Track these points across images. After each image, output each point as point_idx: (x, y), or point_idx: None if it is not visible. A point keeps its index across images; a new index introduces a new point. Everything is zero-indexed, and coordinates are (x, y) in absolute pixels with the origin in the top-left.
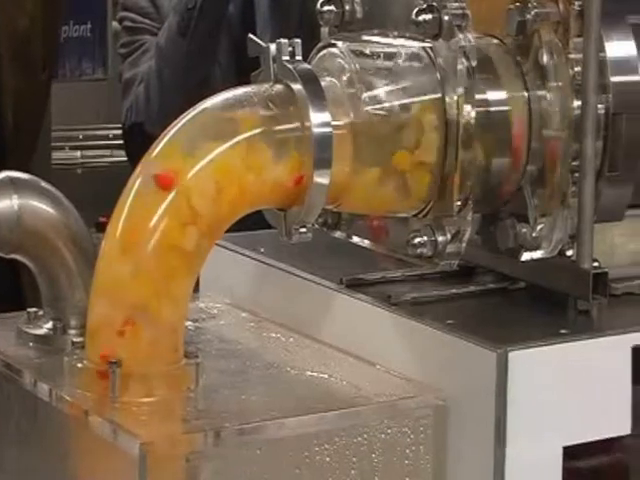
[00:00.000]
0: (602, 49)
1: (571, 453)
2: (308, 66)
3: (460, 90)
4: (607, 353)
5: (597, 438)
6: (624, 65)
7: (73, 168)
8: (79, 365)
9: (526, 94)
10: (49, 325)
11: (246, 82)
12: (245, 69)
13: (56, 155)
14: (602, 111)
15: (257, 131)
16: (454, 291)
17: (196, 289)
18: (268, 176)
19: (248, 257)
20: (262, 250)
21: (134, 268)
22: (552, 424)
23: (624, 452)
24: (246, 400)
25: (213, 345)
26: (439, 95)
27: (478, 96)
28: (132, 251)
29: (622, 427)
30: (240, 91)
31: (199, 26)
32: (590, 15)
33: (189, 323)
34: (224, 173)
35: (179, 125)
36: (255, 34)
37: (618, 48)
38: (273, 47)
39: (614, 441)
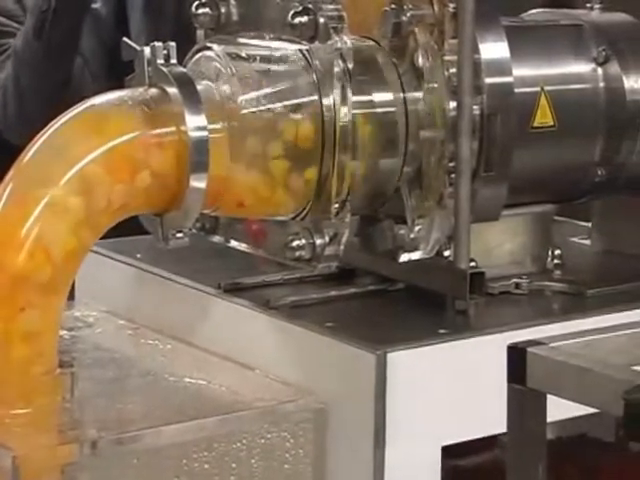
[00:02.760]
0: (476, 51)
1: (450, 452)
2: (183, 69)
3: (337, 92)
4: (484, 352)
5: (474, 437)
6: (498, 66)
7: None
8: None
9: (402, 96)
10: None
11: (119, 87)
12: (118, 73)
13: None
14: (477, 112)
15: (132, 135)
16: (334, 293)
17: (71, 297)
18: (144, 181)
19: (125, 263)
20: (139, 256)
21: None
22: (431, 424)
23: (502, 450)
24: (123, 409)
25: (89, 354)
26: (316, 97)
27: (355, 98)
28: None
29: (498, 425)
30: (114, 95)
31: (54, 29)
32: (464, 17)
33: (64, 332)
34: (98, 178)
35: (53, 129)
36: (129, 37)
37: (492, 50)
38: (147, 50)
39: (491, 439)
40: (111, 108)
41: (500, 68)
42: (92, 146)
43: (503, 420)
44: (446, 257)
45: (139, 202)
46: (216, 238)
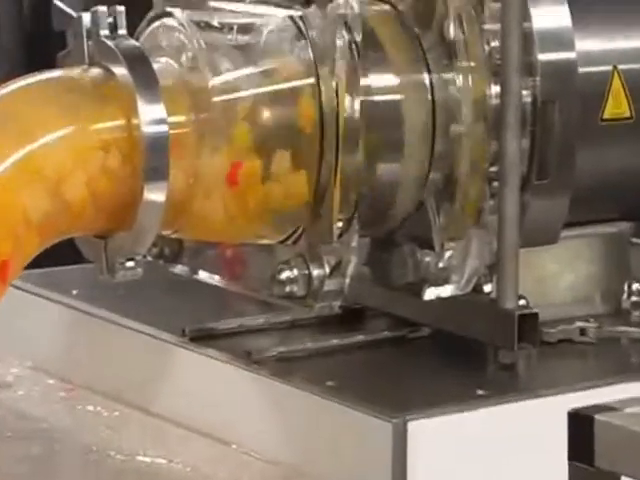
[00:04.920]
0: (527, 18)
1: None
2: (135, 43)
3: (340, 73)
4: (536, 420)
5: None
6: (556, 38)
7: None
8: None
9: (428, 77)
10: None
11: (43, 67)
12: (41, 49)
13: None
14: (528, 99)
15: (64, 133)
16: (336, 342)
17: None
18: (80, 194)
19: (56, 302)
20: (75, 292)
21: None
22: None
23: None
24: None
25: (8, 424)
26: (312, 80)
27: (363, 81)
28: None
29: None
30: (41, 78)
31: None
32: None
33: None
34: (18, 190)
35: None
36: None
37: (548, 16)
38: (87, 18)
39: None
40: (35, 97)
41: (559, 41)
42: (8, 149)
43: None
44: (487, 293)
45: (71, 221)
46: (179, 268)
